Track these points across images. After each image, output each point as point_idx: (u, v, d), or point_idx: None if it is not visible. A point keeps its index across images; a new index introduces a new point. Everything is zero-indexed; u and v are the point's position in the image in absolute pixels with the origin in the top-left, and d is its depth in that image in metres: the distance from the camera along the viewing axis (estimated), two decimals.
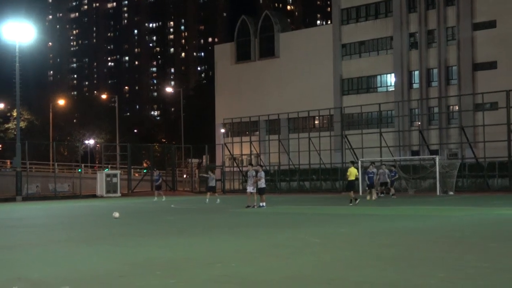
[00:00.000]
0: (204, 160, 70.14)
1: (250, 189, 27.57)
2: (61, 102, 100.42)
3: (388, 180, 37.52)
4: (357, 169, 29.98)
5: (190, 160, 66.92)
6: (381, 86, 62.57)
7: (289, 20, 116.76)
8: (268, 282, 8.27)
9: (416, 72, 59.81)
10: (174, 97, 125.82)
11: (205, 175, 39.66)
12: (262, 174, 27.77)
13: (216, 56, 77.55)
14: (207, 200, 33.87)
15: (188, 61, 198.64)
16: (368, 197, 33.44)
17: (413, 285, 7.75)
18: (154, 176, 46.40)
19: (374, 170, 35.58)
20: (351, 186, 28.16)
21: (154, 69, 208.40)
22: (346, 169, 50.24)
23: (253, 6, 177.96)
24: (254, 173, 27.90)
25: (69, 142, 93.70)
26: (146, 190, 57.30)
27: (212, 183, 35.14)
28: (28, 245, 13.89)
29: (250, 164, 36.42)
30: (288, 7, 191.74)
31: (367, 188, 35.31)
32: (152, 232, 16.58)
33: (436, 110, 58.15)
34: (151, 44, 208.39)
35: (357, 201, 27.08)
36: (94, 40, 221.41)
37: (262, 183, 27.38)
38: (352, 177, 27.78)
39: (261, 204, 26.81)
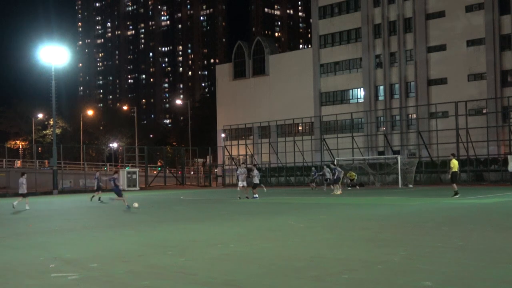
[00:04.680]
0: (207, 160, 70.04)
1: (241, 183, 27.39)
2: (90, 112, 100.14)
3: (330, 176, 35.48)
4: (457, 161, 24.76)
5: (196, 160, 66.82)
6: (352, 98, 62.62)
7: (277, 44, 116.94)
8: (261, 259, 8.25)
9: (381, 87, 59.92)
10: (182, 108, 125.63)
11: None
12: (256, 172, 27.62)
13: (217, 74, 77.47)
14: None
15: (194, 78, 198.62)
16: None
17: (380, 261, 7.74)
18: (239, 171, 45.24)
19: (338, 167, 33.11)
20: (455, 177, 23.63)
21: (166, 85, 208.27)
22: (326, 166, 50.34)
23: (247, 33, 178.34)
24: (245, 171, 27.85)
25: (96, 145, 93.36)
26: (160, 184, 57.17)
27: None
28: (62, 230, 13.83)
29: (243, 163, 36.30)
30: (276, 34, 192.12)
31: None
32: (164, 219, 16.52)
33: (397, 117, 58.26)
34: (163, 65, 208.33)
35: (458, 195, 22.90)
36: (117, 62, 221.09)
37: (256, 180, 27.24)
38: (455, 169, 23.39)
39: (254, 195, 26.73)
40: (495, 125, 48.13)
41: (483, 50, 52.77)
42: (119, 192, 22.27)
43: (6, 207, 25.70)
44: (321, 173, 38.68)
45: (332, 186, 33.50)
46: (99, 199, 28.40)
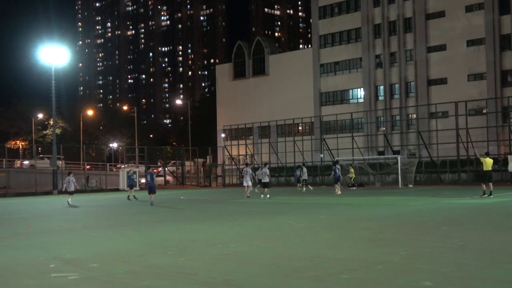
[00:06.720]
0: (208, 160, 70.02)
1: (247, 183, 27.61)
2: (90, 112, 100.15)
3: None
4: (492, 159, 22.81)
5: (196, 159, 66.80)
6: (352, 98, 62.61)
7: (277, 44, 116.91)
8: (261, 259, 8.25)
9: (381, 87, 59.92)
10: (182, 108, 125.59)
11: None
12: (265, 170, 27.49)
13: (217, 74, 77.48)
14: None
15: (194, 78, 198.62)
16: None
17: (380, 261, 7.74)
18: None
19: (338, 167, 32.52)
20: (489, 177, 21.97)
21: (166, 85, 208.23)
22: (326, 166, 50.25)
23: (247, 33, 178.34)
24: (249, 171, 27.98)
25: (96, 145, 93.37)
26: (160, 184, 57.07)
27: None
28: (62, 230, 13.83)
29: (246, 163, 36.33)
30: (276, 34, 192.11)
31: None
32: (164, 219, 16.52)
33: (397, 117, 58.26)
34: (163, 65, 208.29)
35: (491, 195, 21.65)
36: (117, 62, 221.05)
37: (266, 178, 27.16)
38: (488, 167, 21.75)
39: (266, 196, 26.46)
40: (495, 125, 48.14)
41: (483, 50, 52.76)
42: (153, 188, 23.56)
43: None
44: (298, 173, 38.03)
45: (310, 187, 37.51)
46: (134, 197, 30.00)
